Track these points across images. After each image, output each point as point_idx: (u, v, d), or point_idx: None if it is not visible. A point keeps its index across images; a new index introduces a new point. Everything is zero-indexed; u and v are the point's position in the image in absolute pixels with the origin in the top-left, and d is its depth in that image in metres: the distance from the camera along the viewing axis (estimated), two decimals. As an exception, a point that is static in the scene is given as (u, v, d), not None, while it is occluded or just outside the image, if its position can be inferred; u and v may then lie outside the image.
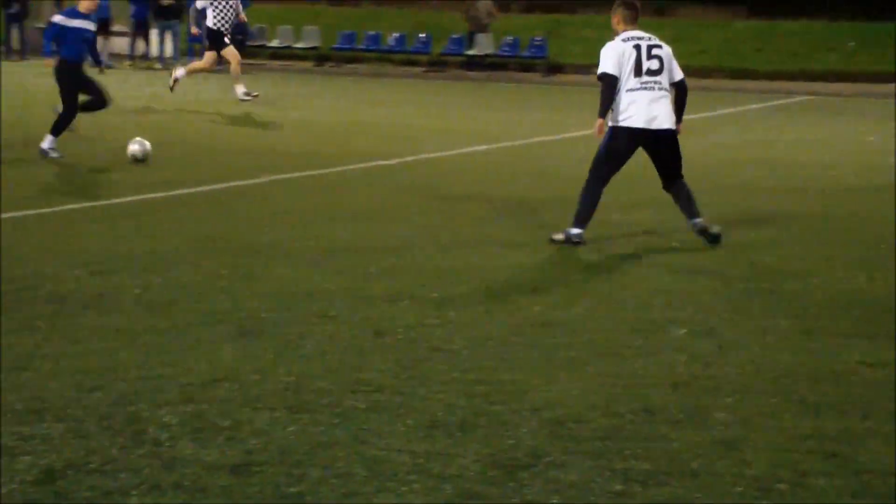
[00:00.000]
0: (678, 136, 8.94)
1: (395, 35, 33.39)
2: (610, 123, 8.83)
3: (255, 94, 19.02)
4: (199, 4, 19.06)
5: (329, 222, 9.64)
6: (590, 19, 35.74)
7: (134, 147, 12.54)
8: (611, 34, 9.07)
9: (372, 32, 33.55)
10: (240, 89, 18.84)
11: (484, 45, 32.07)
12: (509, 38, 32.46)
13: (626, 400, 5.33)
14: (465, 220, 9.90)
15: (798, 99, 25.07)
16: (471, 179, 12.29)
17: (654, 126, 8.74)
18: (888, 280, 7.97)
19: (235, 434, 4.80)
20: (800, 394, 5.48)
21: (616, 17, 8.99)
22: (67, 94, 12.74)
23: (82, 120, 13.33)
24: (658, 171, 9.07)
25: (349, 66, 32.43)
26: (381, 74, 30.17)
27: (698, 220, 8.88)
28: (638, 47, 8.77)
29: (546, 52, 32.09)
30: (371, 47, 33.21)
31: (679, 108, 9.01)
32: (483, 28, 32.17)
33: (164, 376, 5.51)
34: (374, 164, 13.20)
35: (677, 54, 9.14)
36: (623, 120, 8.74)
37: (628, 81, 8.72)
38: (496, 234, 9.30)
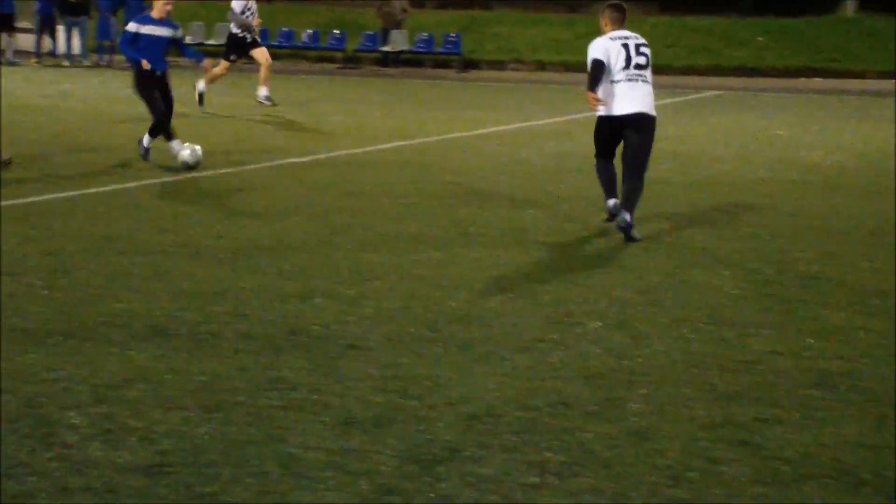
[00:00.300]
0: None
1: (310, 31, 33.24)
2: (597, 113, 9.40)
3: (206, 111, 18.44)
4: (236, 7, 18.61)
5: (242, 220, 9.56)
6: (504, 16, 35.93)
7: (185, 153, 12.18)
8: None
9: (286, 29, 33.36)
10: (201, 85, 18.45)
11: (398, 42, 32.07)
12: (424, 35, 32.47)
13: (541, 393, 5.36)
14: (380, 216, 9.88)
15: (709, 94, 25.40)
16: (386, 176, 12.27)
17: (634, 110, 9.22)
18: (797, 270, 8.12)
19: (147, 435, 4.74)
20: (711, 383, 5.56)
21: (604, 20, 9.53)
22: (148, 100, 12.45)
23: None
24: (623, 155, 9.40)
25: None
26: (295, 71, 29.99)
27: (626, 215, 9.01)
28: (626, 45, 9.30)
29: (461, 49, 32.17)
30: (285, 44, 33.00)
31: None
32: (397, 24, 32.17)
33: (73, 378, 5.42)
34: (288, 161, 13.12)
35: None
36: (607, 111, 9.29)
37: (616, 74, 9.22)
38: (411, 230, 9.30)
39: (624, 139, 9.40)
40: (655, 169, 13.14)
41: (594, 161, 9.68)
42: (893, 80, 28.04)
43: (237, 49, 18.71)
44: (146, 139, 12.59)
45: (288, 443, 4.70)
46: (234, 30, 18.70)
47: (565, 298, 7.20)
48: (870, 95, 25.11)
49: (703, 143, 16.02)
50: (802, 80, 29.28)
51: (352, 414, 5.04)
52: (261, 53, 18.93)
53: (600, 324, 6.61)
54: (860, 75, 29.64)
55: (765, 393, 5.43)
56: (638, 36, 9.44)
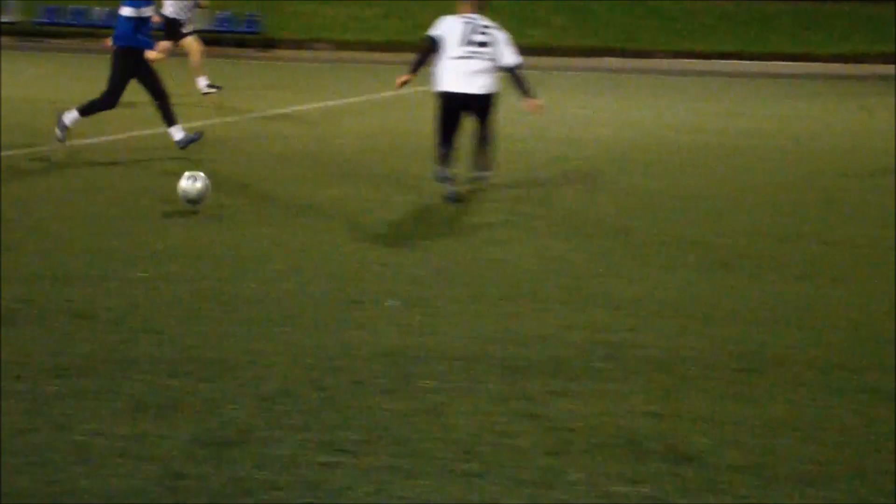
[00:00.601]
0: (539, 107, 10.45)
1: (105, 10, 32.28)
2: (436, 89, 9.89)
3: (219, 85, 17.58)
4: None
5: (29, 202, 9.24)
6: (305, -5, 35.64)
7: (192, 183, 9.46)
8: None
9: (80, 7, 32.34)
10: (202, 82, 17.55)
11: (199, 21, 31.46)
12: (224, 13, 31.95)
13: (335, 372, 5.35)
14: (175, 197, 9.67)
15: (508, 73, 25.78)
16: (183, 157, 12.03)
17: (472, 91, 9.79)
18: (587, 247, 8.32)
19: (-77, 427, 4.54)
20: (503, 358, 5.65)
21: (464, 7, 9.99)
22: (117, 79, 11.93)
23: None
24: (473, 133, 10.16)
25: (54, 41, 31.14)
26: (89, 50, 29.10)
27: (487, 173, 10.22)
28: (468, 23, 9.83)
29: (261, 27, 31.78)
30: (78, 22, 32.00)
31: (519, 87, 10.15)
32: (196, 3, 31.53)
33: None
34: (83, 142, 12.71)
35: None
36: (444, 85, 9.80)
37: (453, 51, 9.72)
38: (208, 210, 9.13)
39: (469, 117, 9.96)
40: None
41: (435, 151, 9.98)
42: (681, 60, 29.03)
43: (176, 28, 17.68)
44: (176, 132, 12.17)
45: (75, 430, 4.58)
46: (170, 13, 17.73)
47: (362, 277, 7.20)
48: (659, 74, 25.93)
49: (499, 122, 16.22)
50: (596, 59, 30.00)
51: (142, 399, 4.94)
52: (193, 42, 17.86)
53: (400, 303, 6.64)
54: (650, 55, 30.57)
55: (556, 366, 5.55)
56: (490, 22, 9.96)
